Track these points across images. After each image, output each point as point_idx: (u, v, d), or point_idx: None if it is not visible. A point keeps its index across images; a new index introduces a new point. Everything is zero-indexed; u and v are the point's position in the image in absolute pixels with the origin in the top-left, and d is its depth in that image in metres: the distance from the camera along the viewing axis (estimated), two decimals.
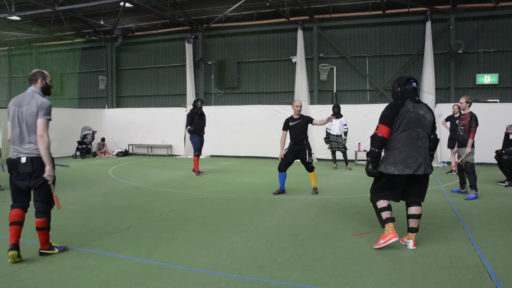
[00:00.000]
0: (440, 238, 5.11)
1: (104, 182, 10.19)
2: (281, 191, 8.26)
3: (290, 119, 8.10)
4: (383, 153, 4.72)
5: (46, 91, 4.47)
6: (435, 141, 4.81)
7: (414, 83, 4.71)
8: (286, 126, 8.09)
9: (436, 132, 4.84)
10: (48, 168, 4.19)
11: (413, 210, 4.79)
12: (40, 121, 4.18)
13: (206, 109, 15.80)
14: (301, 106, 8.11)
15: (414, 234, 4.75)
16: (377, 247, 4.65)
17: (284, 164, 8.11)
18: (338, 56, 16.05)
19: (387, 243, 4.58)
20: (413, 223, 4.76)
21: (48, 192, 4.32)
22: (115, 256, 4.47)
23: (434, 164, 13.59)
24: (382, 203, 4.69)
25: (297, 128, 7.97)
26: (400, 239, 4.74)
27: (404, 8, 14.98)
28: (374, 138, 4.64)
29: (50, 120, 4.26)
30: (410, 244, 4.71)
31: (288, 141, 8.20)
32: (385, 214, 4.66)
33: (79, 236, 5.26)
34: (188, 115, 10.93)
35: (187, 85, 17.47)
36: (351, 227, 5.64)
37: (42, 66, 21.12)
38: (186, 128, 10.91)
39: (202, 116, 10.98)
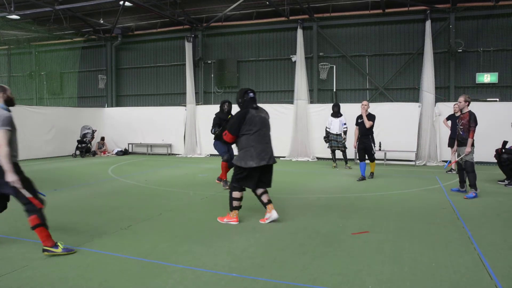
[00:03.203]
0: (440, 237, 5.11)
1: (104, 181, 10.19)
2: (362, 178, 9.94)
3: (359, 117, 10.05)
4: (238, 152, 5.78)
5: (9, 103, 4.63)
6: None
7: (251, 94, 5.79)
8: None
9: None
10: (8, 175, 4.21)
11: (262, 189, 5.87)
12: None
13: (205, 108, 15.80)
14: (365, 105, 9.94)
15: (272, 204, 5.86)
16: (220, 221, 5.84)
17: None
18: (338, 55, 16.04)
19: (228, 223, 5.76)
20: (267, 196, 5.87)
21: (23, 194, 4.34)
22: (115, 255, 4.47)
23: (433, 163, 13.67)
24: (237, 194, 5.77)
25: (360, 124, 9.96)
26: (261, 220, 5.85)
27: (404, 7, 14.97)
28: (220, 138, 6.24)
29: (9, 130, 4.33)
30: (274, 214, 5.78)
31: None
32: (235, 203, 5.78)
33: (79, 235, 5.26)
34: (214, 119, 9.06)
35: (186, 84, 17.46)
36: (351, 226, 5.65)
37: (41, 65, 21.16)
38: (211, 131, 9.04)
39: (228, 122, 9.50)
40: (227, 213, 5.92)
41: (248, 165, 5.55)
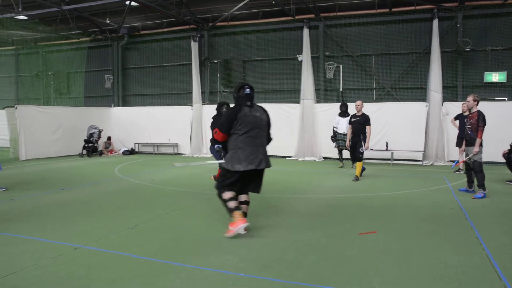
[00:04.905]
0: (448, 238, 5.08)
1: (111, 180, 10.23)
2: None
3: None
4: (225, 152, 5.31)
5: None
6: (269, 140, 5.51)
7: (248, 89, 5.25)
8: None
9: (270, 131, 5.53)
10: None
11: (244, 197, 5.41)
12: None
13: (211, 108, 15.76)
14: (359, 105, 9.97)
15: (246, 218, 5.24)
16: (230, 234, 5.02)
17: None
18: (344, 55, 15.98)
19: (238, 228, 4.99)
20: (246, 207, 5.38)
21: None
22: (122, 254, 4.49)
23: (441, 163, 13.59)
24: (227, 195, 5.17)
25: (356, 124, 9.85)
26: (227, 232, 5.11)
27: (411, 6, 14.88)
28: (212, 139, 5.50)
29: None
30: (242, 226, 5.10)
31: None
32: (231, 204, 5.13)
33: (86, 234, 5.28)
34: (213, 123, 8.71)
35: (193, 83, 17.48)
36: (358, 226, 5.63)
37: (48, 65, 21.30)
38: (210, 140, 8.67)
39: None
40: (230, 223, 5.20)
41: (235, 169, 5.06)
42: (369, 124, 9.92)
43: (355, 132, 9.98)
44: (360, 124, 9.91)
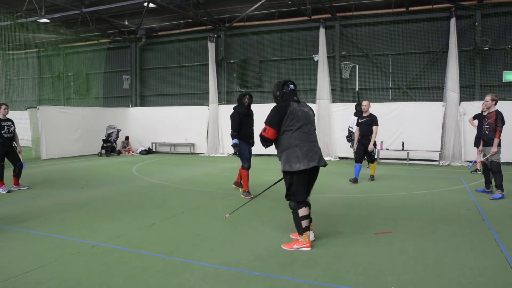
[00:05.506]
0: (465, 239, 4.99)
1: (128, 179, 10.35)
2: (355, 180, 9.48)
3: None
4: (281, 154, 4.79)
5: None
6: None
7: (292, 85, 4.89)
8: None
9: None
10: None
11: (308, 200, 4.89)
12: None
13: (228, 108, 15.77)
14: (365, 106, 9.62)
15: (312, 224, 4.92)
16: (287, 248, 4.67)
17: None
18: (361, 54, 15.85)
19: (299, 249, 4.62)
20: (310, 213, 4.87)
21: None
22: (139, 252, 4.54)
23: (458, 164, 13.37)
24: (303, 211, 4.67)
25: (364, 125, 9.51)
26: (288, 245, 4.76)
27: (428, 5, 14.67)
28: (261, 138, 4.82)
29: None
30: (312, 235, 4.87)
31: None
32: (305, 223, 4.68)
33: (104, 232, 5.36)
34: (232, 116, 7.83)
35: (209, 83, 17.57)
36: (374, 226, 5.58)
37: (68, 66, 21.64)
38: (230, 134, 7.84)
39: (250, 117, 8.02)
40: (293, 240, 4.87)
41: (294, 168, 4.57)
42: (376, 124, 9.54)
43: (364, 133, 9.60)
44: (368, 124, 9.56)
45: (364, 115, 9.71)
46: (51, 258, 4.34)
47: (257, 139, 6.05)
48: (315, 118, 5.51)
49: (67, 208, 6.87)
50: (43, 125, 15.26)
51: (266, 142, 4.82)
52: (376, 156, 12.81)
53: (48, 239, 5.05)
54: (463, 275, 3.84)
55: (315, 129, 4.95)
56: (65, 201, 7.45)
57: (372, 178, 9.89)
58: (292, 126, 4.66)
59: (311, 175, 4.74)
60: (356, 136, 9.85)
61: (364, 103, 9.75)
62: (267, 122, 4.75)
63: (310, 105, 5.53)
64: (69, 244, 4.83)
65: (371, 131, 9.54)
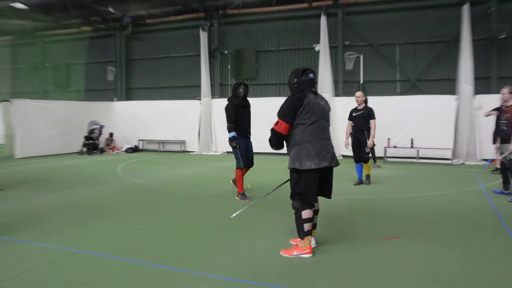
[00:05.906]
0: (481, 245, 4.96)
1: (112, 180, 10.28)
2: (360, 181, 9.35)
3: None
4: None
5: None
6: None
7: (311, 74, 4.78)
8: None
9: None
10: None
11: (317, 205, 4.87)
12: None
13: (222, 102, 15.70)
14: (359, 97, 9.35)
15: (314, 230, 4.92)
16: (286, 255, 4.60)
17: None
18: (365, 44, 15.83)
19: (299, 256, 4.55)
20: (316, 219, 4.90)
21: None
22: (124, 260, 4.47)
23: (473, 162, 13.38)
24: (307, 214, 4.60)
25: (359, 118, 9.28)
26: (287, 251, 4.68)
27: None
28: (272, 132, 4.74)
29: None
30: (313, 242, 4.78)
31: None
32: (307, 226, 4.60)
33: (85, 238, 5.29)
34: (227, 108, 7.64)
35: (201, 76, 17.53)
36: (380, 231, 5.54)
37: (46, 56, 21.50)
38: (227, 127, 7.59)
39: (246, 109, 7.83)
40: (292, 246, 4.80)
41: (304, 167, 4.50)
42: (373, 117, 9.27)
43: (358, 128, 9.28)
44: (364, 118, 9.24)
45: (359, 107, 9.40)
46: (24, 268, 4.26)
47: (261, 137, 5.94)
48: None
49: (43, 212, 6.78)
50: (17, 120, 15.09)
51: (277, 139, 4.75)
52: (377, 155, 12.88)
53: (22, 246, 4.96)
54: (481, 283, 3.81)
55: (329, 125, 4.84)
56: (41, 205, 7.36)
57: (368, 179, 9.48)
58: (307, 120, 4.57)
59: (321, 175, 4.64)
60: (347, 132, 9.54)
61: (357, 94, 9.46)
62: (280, 115, 4.66)
63: None
64: (46, 251, 4.75)
65: (367, 126, 9.24)
